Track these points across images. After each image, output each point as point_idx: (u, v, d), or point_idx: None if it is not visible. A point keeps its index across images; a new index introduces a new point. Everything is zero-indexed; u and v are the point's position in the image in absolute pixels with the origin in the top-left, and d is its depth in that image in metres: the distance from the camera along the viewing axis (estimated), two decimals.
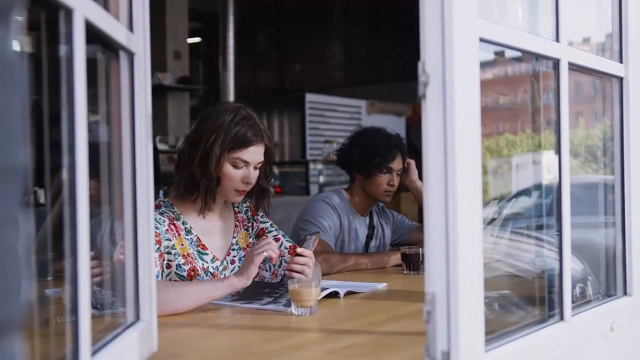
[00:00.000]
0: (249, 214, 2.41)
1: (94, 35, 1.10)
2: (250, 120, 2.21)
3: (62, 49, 1.00)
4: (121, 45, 1.28)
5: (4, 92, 0.54)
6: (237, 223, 2.37)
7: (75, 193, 1.00)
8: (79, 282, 1.00)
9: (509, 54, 1.54)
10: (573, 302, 1.53)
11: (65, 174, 1.01)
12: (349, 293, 2.17)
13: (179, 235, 2.18)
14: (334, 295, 2.10)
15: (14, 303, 0.57)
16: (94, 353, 1.08)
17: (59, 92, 1.01)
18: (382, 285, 2.34)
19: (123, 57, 1.33)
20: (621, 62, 1.78)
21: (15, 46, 0.58)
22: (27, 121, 0.60)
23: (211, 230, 2.28)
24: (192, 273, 2.16)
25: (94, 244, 1.07)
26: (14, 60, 0.56)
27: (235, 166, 2.18)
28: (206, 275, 2.19)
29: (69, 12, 0.98)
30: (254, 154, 2.20)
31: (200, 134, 2.17)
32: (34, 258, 0.62)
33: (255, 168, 2.22)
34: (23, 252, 0.59)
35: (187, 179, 2.19)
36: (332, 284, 2.21)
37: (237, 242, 2.34)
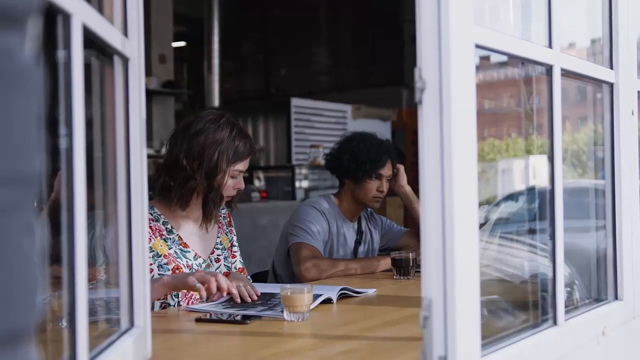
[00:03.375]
0: (226, 220, 2.51)
1: (89, 40, 1.09)
2: (244, 132, 2.34)
3: (60, 54, 0.99)
4: (116, 50, 1.27)
5: (22, 98, 0.54)
6: (220, 225, 2.47)
7: (72, 198, 0.99)
8: (77, 288, 0.99)
9: (494, 58, 1.55)
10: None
11: (62, 180, 1.00)
12: (342, 296, 2.18)
13: (156, 237, 2.24)
14: (326, 301, 2.09)
15: (31, 310, 0.57)
16: None
17: (55, 97, 1.00)
18: (372, 291, 2.34)
19: (117, 62, 1.32)
20: (611, 68, 1.80)
21: (31, 53, 0.58)
22: (42, 127, 0.59)
23: (194, 231, 2.35)
24: (177, 271, 2.23)
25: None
26: (30, 66, 0.56)
27: (233, 177, 2.30)
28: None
29: (67, 17, 0.97)
30: (247, 163, 2.34)
31: (199, 148, 2.24)
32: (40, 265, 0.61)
33: (244, 174, 2.36)
34: (37, 259, 0.59)
35: (189, 192, 2.26)
36: (323, 289, 2.21)
37: (220, 242, 2.43)
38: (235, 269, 2.42)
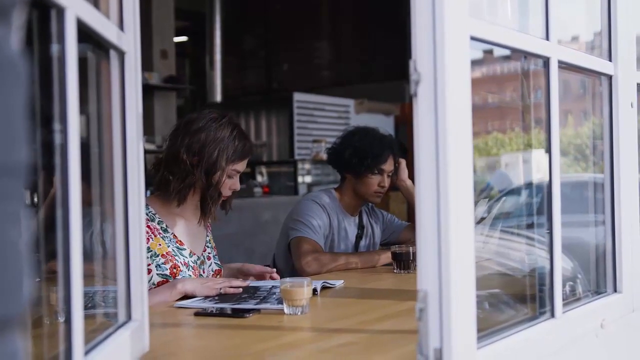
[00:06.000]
0: (210, 221, 2.53)
1: (84, 34, 1.09)
2: (244, 134, 2.36)
3: (54, 48, 0.99)
4: (112, 44, 1.27)
5: (8, 90, 0.54)
6: (208, 225, 2.50)
7: (67, 194, 0.99)
8: (72, 282, 1.00)
9: (497, 52, 1.55)
10: (563, 299, 1.53)
11: (57, 175, 1.00)
12: (324, 288, 2.23)
13: (155, 235, 2.26)
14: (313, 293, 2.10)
15: (17, 300, 0.57)
16: (86, 353, 1.07)
17: (50, 92, 1.00)
18: (340, 283, 2.37)
19: (113, 56, 1.32)
20: (610, 60, 1.79)
21: (17, 45, 0.58)
22: (28, 119, 0.60)
23: (187, 228, 2.37)
24: (175, 270, 2.25)
25: (82, 245, 1.07)
26: (16, 58, 0.56)
27: (229, 176, 2.32)
28: (187, 270, 2.28)
29: (60, 11, 0.97)
30: (245, 164, 2.37)
31: (200, 145, 2.26)
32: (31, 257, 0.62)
33: (240, 175, 2.38)
34: (25, 249, 0.59)
35: (187, 188, 2.28)
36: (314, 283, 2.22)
37: (209, 240, 2.47)
38: (212, 271, 2.42)
